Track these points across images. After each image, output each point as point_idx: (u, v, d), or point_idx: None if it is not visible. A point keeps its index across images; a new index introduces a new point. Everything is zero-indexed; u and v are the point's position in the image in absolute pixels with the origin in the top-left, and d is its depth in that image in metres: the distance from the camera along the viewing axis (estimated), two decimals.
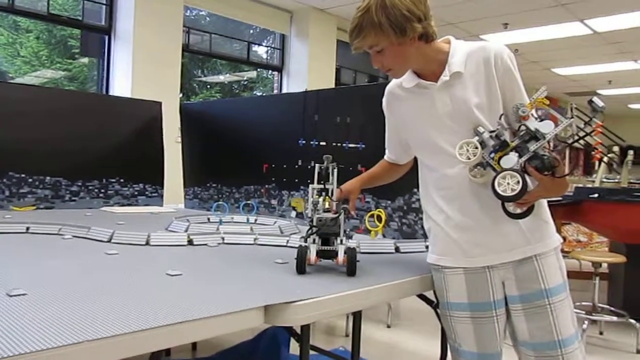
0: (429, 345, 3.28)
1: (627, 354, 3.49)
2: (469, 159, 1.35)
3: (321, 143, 2.58)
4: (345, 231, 1.57)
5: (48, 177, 2.97)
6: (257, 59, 7.13)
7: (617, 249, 4.19)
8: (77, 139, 3.08)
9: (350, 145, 2.47)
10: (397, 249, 1.97)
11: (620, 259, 3.79)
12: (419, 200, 2.27)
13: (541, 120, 1.32)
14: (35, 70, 5.24)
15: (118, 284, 1.29)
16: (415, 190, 2.27)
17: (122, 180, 3.28)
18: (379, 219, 2.21)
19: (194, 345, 3.02)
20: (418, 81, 1.50)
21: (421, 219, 2.26)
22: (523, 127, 1.32)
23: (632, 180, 6.55)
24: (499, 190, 1.29)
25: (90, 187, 3.14)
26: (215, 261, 1.68)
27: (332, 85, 6.87)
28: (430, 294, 2.12)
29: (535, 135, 1.31)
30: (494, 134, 1.36)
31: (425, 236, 2.22)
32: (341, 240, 1.54)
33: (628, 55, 8.33)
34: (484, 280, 1.48)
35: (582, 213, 3.98)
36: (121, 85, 5.21)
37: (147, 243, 1.88)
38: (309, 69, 6.81)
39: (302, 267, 1.48)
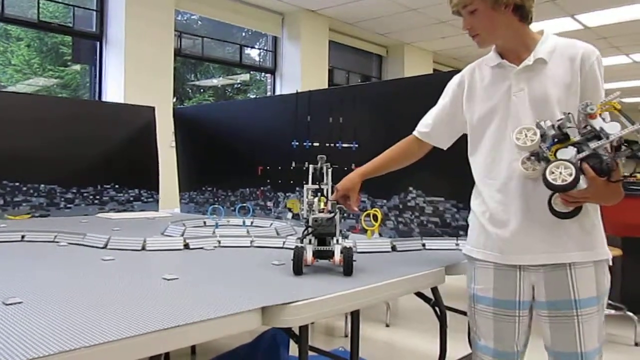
0: (428, 343, 3.28)
1: (625, 346, 3.51)
2: (525, 144, 1.32)
3: (314, 144, 2.58)
4: (341, 231, 1.58)
5: (42, 185, 2.96)
6: (250, 61, 7.12)
7: (613, 242, 4.20)
8: (71, 146, 3.07)
9: (344, 145, 2.48)
10: (393, 248, 1.97)
11: (616, 252, 3.80)
12: (414, 198, 2.29)
13: (609, 122, 1.28)
14: (27, 78, 5.21)
15: (114, 289, 1.29)
16: (411, 188, 2.28)
17: (117, 186, 3.27)
18: (375, 218, 2.22)
19: (193, 349, 3.01)
20: (500, 61, 1.49)
21: (417, 217, 2.27)
22: (588, 126, 1.28)
23: (625, 174, 6.56)
24: (549, 178, 1.26)
25: (85, 194, 3.13)
26: (212, 264, 1.68)
27: (325, 86, 6.87)
28: (428, 292, 2.13)
29: (598, 135, 1.26)
30: (556, 125, 1.31)
31: (421, 234, 2.23)
32: (337, 240, 1.54)
33: (619, 49, 8.37)
34: (512, 279, 1.45)
35: None
36: (114, 91, 5.19)
37: (143, 248, 1.88)
38: (301, 71, 6.81)
39: (298, 268, 1.48)
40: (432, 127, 1.68)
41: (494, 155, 1.48)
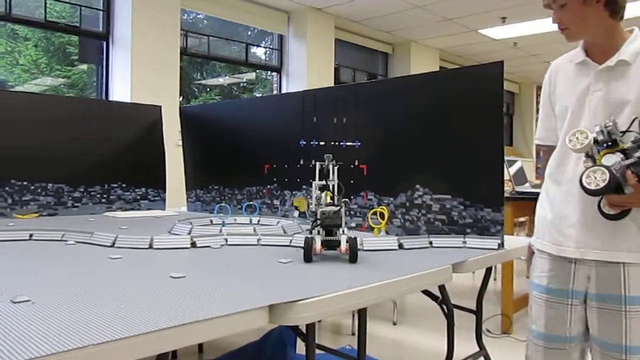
0: (435, 341, 3.27)
1: None
2: (575, 147, 1.37)
3: (320, 143, 2.59)
4: (346, 223, 1.68)
5: (50, 184, 2.97)
6: (256, 60, 7.12)
7: None
8: (78, 145, 3.08)
9: (347, 143, 2.48)
10: (400, 246, 1.96)
11: None
12: (421, 196, 2.28)
13: None
14: (34, 78, 5.24)
15: (122, 288, 1.29)
16: (418, 186, 2.27)
17: (124, 185, 3.28)
18: (382, 216, 2.21)
19: (200, 347, 3.02)
20: (584, 58, 1.50)
21: (424, 214, 2.26)
22: None
23: None
24: (584, 181, 1.32)
25: (92, 193, 3.15)
26: (219, 262, 1.68)
27: (332, 84, 6.86)
28: (435, 290, 2.12)
29: None
30: (605, 131, 1.34)
31: (428, 232, 2.22)
32: (343, 231, 1.65)
33: None
34: (566, 270, 1.51)
35: None
36: (120, 90, 5.21)
37: (150, 246, 1.88)
38: (307, 69, 6.80)
39: (309, 256, 1.58)
40: (549, 131, 1.67)
41: (564, 150, 1.51)
